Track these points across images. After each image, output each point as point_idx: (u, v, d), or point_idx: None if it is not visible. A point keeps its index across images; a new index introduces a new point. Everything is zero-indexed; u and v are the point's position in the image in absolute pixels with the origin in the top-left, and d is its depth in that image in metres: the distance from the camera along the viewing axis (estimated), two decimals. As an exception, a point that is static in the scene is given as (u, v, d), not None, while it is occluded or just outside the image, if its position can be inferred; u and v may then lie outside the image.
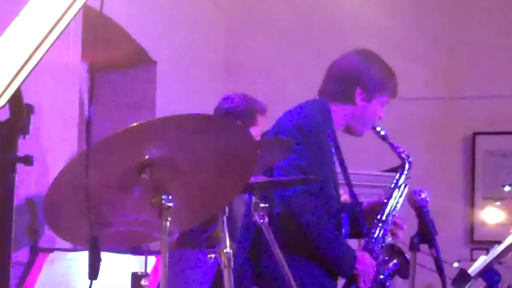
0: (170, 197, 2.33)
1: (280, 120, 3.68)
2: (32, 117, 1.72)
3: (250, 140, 2.45)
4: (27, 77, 1.63)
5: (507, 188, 5.87)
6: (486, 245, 5.75)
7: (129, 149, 2.26)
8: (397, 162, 3.88)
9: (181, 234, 4.11)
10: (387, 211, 3.73)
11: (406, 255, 3.73)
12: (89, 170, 1.98)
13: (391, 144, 3.81)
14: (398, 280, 3.93)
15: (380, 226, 3.71)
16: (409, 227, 3.62)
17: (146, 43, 5.59)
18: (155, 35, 5.71)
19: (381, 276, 3.67)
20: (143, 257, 2.98)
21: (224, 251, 2.67)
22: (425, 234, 3.48)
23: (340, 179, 3.74)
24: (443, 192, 5.96)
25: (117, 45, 5.13)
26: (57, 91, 4.21)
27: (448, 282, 3.59)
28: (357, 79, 3.72)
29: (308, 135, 3.56)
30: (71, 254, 3.24)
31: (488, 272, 3.80)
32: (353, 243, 4.00)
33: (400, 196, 3.78)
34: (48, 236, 3.74)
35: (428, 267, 3.79)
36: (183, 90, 6.01)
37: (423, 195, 3.51)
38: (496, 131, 6.48)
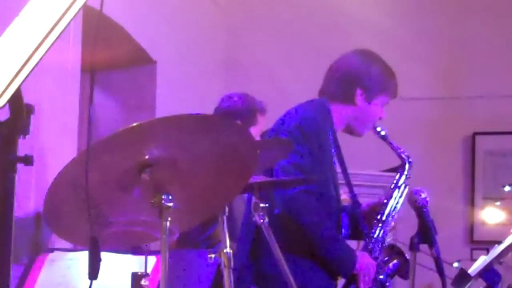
0: (170, 197, 2.32)
1: (280, 120, 3.68)
2: (32, 117, 1.72)
3: (250, 140, 2.45)
4: (27, 77, 1.62)
5: (507, 188, 5.87)
6: (486, 245, 5.75)
7: (129, 149, 2.26)
8: (397, 162, 3.88)
9: (181, 234, 4.11)
10: (387, 211, 3.73)
11: (406, 255, 3.73)
12: (89, 170, 1.98)
13: (391, 144, 3.81)
14: (398, 280, 3.93)
15: (380, 227, 3.71)
16: (409, 227, 3.62)
17: (146, 43, 5.59)
18: (155, 35, 5.71)
19: (381, 276, 3.67)
20: (143, 257, 2.98)
21: (224, 251, 2.67)
22: (425, 234, 3.49)
23: (340, 179, 3.74)
24: (443, 192, 5.96)
25: (117, 45, 5.13)
26: (57, 91, 4.21)
27: (448, 282, 3.59)
28: (357, 79, 3.71)
29: (308, 135, 3.56)
30: (71, 254, 3.23)
31: (488, 272, 3.79)
32: (353, 243, 3.99)
33: (400, 196, 3.78)
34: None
35: (428, 267, 3.79)
36: (183, 90, 6.01)
37: (423, 195, 3.51)
38: (496, 131, 6.48)
